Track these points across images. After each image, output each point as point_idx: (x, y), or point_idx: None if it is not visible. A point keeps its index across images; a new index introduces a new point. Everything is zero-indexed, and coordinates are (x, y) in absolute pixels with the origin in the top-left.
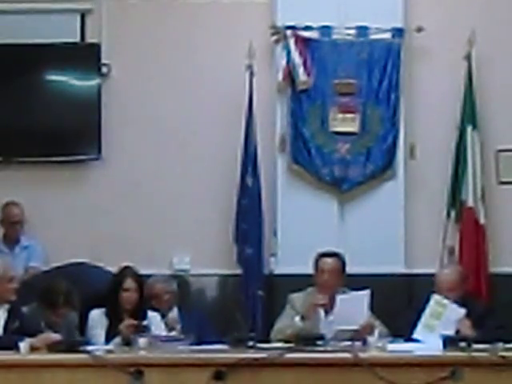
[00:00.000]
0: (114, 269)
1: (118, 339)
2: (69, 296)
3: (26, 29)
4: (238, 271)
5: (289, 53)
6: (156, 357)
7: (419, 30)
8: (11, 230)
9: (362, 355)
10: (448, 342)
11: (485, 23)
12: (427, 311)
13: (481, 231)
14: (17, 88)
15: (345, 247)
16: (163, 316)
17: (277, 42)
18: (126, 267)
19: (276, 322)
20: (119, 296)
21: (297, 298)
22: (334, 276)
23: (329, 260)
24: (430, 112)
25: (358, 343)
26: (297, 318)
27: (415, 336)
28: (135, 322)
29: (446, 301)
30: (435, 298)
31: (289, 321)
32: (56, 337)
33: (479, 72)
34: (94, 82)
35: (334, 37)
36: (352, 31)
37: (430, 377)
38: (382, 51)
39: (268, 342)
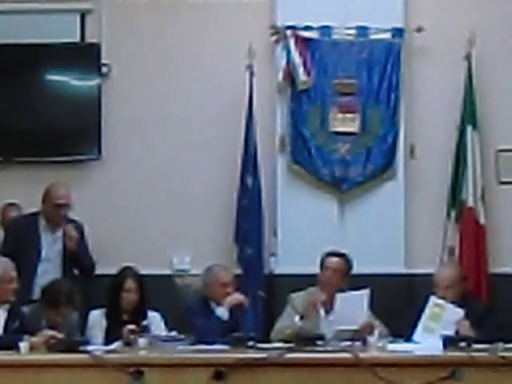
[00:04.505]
0: (114, 269)
1: (119, 343)
2: (70, 296)
3: (26, 29)
4: (238, 271)
5: (289, 53)
6: (156, 357)
7: (419, 30)
8: None
9: (361, 355)
10: (448, 342)
11: (485, 23)
12: (426, 313)
13: (481, 231)
14: (17, 88)
15: (345, 247)
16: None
17: (277, 41)
18: (126, 267)
19: (276, 321)
20: (119, 296)
21: (297, 297)
22: (338, 275)
23: (334, 259)
24: (430, 112)
25: (357, 343)
26: (296, 318)
27: (415, 338)
28: (136, 329)
29: (443, 302)
30: (433, 299)
31: (289, 320)
32: (55, 333)
33: (479, 72)
34: (93, 82)
35: (334, 37)
36: (352, 31)
37: (429, 377)
38: (382, 51)
39: (268, 341)
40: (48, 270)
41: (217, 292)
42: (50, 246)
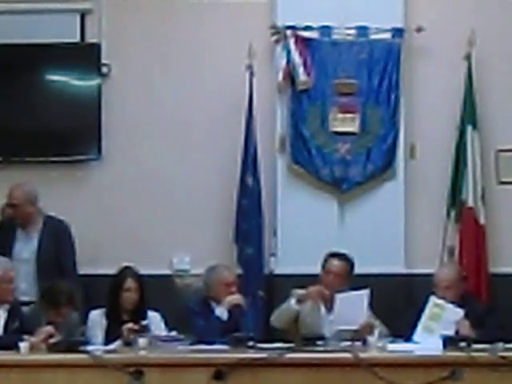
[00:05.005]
0: (114, 269)
1: (119, 342)
2: (71, 296)
3: (26, 29)
4: (238, 271)
5: (289, 53)
6: (156, 357)
7: (419, 30)
8: None
9: (361, 355)
10: (448, 342)
11: (485, 23)
12: (426, 314)
13: (481, 231)
14: (17, 88)
15: (345, 247)
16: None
17: (277, 41)
18: (126, 267)
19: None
20: (119, 296)
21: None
22: (339, 279)
23: (336, 262)
24: (430, 112)
25: (358, 343)
26: (292, 301)
27: (415, 338)
28: (136, 327)
29: (443, 302)
30: (433, 299)
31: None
32: (53, 330)
33: (479, 72)
34: (94, 82)
35: (334, 37)
36: (352, 31)
37: (429, 377)
38: (382, 51)
39: (268, 341)
40: (20, 271)
41: (220, 292)
42: (23, 247)
